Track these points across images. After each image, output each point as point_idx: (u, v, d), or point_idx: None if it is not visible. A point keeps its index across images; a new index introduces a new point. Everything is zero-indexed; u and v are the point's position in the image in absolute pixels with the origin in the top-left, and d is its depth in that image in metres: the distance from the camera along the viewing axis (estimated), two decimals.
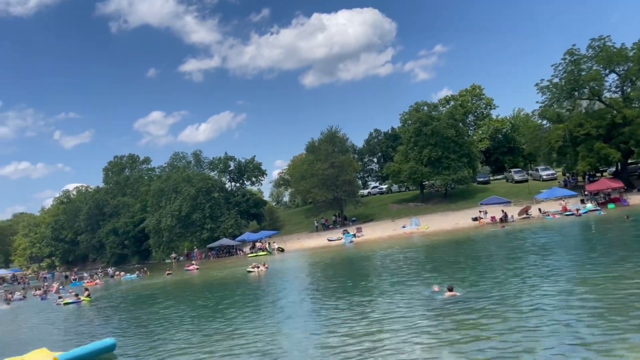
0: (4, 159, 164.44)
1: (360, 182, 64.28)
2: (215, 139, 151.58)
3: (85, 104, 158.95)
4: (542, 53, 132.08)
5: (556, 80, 48.41)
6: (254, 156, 68.95)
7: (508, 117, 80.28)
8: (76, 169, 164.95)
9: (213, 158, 69.53)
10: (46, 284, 48.54)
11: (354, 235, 48.61)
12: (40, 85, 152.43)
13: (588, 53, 46.53)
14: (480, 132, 76.01)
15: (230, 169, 68.13)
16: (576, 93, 47.42)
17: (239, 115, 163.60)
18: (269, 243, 51.32)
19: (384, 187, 72.25)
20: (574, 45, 47.39)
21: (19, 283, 64.73)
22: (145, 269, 50.12)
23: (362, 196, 65.43)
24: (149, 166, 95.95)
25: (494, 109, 78.25)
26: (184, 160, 74.81)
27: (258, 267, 31.48)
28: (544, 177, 60.80)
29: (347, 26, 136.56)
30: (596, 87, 45.92)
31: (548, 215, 40.97)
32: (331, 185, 56.96)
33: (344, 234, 50.26)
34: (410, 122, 65.34)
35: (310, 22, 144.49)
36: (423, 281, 18.44)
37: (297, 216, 72.02)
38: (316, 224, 59.59)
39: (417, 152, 59.66)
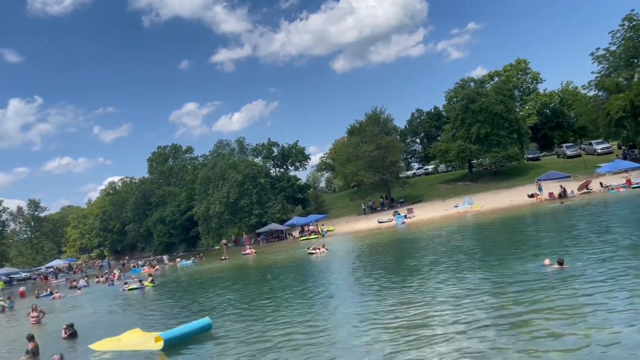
0: (47, 155, 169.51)
1: (402, 163, 63.01)
2: (248, 127, 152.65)
3: (122, 98, 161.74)
4: (582, 25, 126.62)
5: (613, 48, 46.21)
6: (297, 141, 68.84)
7: (556, 91, 77.38)
8: (116, 162, 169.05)
9: (256, 144, 69.85)
10: (106, 271, 49.76)
11: (405, 217, 47.89)
12: (79, 82, 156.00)
13: None
14: (527, 107, 73.72)
15: (274, 154, 68.19)
16: (636, 61, 45.13)
17: (271, 104, 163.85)
18: (320, 226, 51.21)
19: (429, 167, 71.12)
20: (632, 10, 45.13)
21: (74, 272, 66.77)
22: (201, 254, 50.80)
23: (407, 177, 64.43)
24: (192, 155, 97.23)
25: (541, 82, 75.58)
26: (228, 148, 75.27)
27: (319, 249, 31.30)
28: (599, 150, 58.61)
29: (377, 8, 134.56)
30: None
31: (612, 189, 39.29)
32: (378, 167, 56.31)
33: (394, 215, 49.60)
34: (455, 99, 63.97)
35: (339, 5, 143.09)
36: (519, 257, 17.60)
37: (342, 200, 71.81)
38: (364, 207, 59.13)
39: (465, 130, 58.32)
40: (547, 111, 75.84)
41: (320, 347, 10.47)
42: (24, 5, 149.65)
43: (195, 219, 69.16)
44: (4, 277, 59.99)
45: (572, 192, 41.64)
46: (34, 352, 13.68)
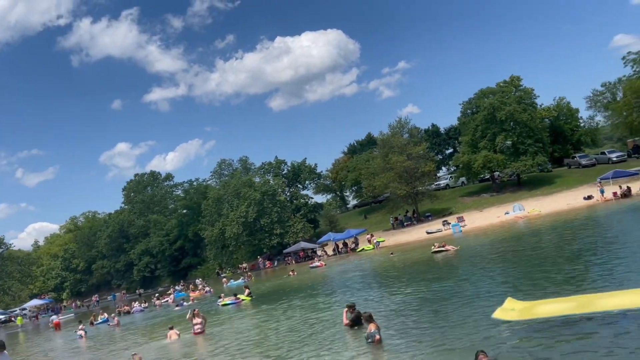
0: None
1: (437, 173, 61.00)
2: (183, 167, 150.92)
3: (49, 140, 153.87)
4: (502, 66, 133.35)
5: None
6: (305, 159, 65.58)
7: (552, 107, 78.96)
8: (40, 207, 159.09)
9: (263, 163, 65.84)
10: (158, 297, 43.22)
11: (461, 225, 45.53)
12: (2, 124, 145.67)
13: None
14: None
15: (283, 172, 64.33)
16: None
17: (207, 142, 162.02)
18: (372, 238, 47.96)
19: (441, 183, 69.67)
20: None
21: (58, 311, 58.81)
22: (249, 273, 45.91)
23: (436, 190, 62.44)
24: (172, 183, 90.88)
25: (536, 98, 76.86)
26: (231, 168, 70.53)
27: (444, 246, 28.10)
28: (614, 159, 59.45)
29: (312, 48, 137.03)
30: None
31: None
32: (409, 178, 53.92)
33: (444, 224, 47.12)
34: (470, 110, 63.36)
35: (274, 45, 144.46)
36: None
37: (354, 218, 68.58)
38: (392, 221, 56.29)
39: (488, 140, 57.39)
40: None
41: None
42: None
43: (206, 242, 63.23)
44: None
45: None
46: None
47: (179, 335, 16.71)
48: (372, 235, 48.85)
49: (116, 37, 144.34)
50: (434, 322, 12.27)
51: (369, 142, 79.09)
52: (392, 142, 55.36)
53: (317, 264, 40.49)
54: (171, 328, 17.23)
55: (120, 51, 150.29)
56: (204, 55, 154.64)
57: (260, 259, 56.50)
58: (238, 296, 25.98)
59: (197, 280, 51.19)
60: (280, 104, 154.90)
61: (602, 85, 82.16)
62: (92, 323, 28.84)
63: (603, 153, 62.74)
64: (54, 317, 34.71)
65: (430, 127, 79.18)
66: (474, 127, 59.50)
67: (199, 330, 16.36)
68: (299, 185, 66.39)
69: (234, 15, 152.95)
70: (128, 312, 31.86)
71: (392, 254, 36.06)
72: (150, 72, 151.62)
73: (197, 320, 16.46)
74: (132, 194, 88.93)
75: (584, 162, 62.74)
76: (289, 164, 65.95)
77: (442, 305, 13.92)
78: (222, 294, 27.24)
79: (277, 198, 57.01)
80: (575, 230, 27.06)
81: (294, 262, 52.15)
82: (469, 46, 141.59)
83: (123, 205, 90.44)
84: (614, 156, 59.92)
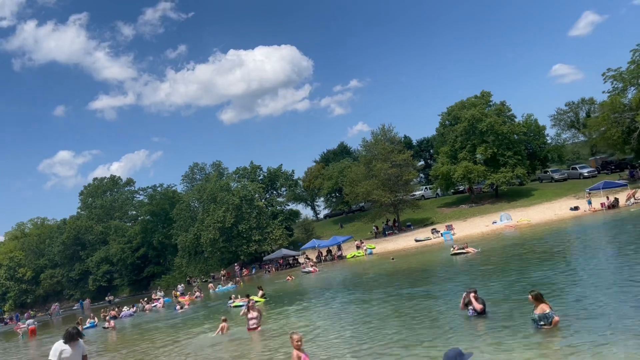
0: None
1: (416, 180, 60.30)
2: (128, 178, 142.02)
3: None
4: (449, 86, 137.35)
5: (630, 67, 48.75)
6: (281, 165, 63.80)
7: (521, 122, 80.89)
8: None
9: (237, 167, 63.43)
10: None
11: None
12: None
13: None
14: None
15: (259, 178, 62.14)
16: None
17: (154, 153, 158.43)
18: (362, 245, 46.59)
19: (416, 193, 69.38)
20: None
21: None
22: (238, 279, 43.40)
23: (417, 199, 62.03)
24: (133, 188, 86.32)
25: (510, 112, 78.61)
26: (203, 172, 67.53)
27: (465, 248, 27.05)
28: (585, 174, 61.07)
29: (265, 62, 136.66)
30: None
31: None
32: (393, 185, 53.16)
33: (433, 232, 46.46)
34: (448, 121, 63.58)
35: (227, 57, 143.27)
36: None
37: (329, 226, 67.02)
38: (375, 229, 55.23)
39: (468, 152, 57.66)
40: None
41: None
42: None
43: (179, 248, 59.81)
44: None
45: (635, 199, 41.63)
46: None
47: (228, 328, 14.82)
48: (362, 242, 47.51)
49: (63, 41, 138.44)
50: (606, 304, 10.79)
51: (342, 151, 78.28)
52: (376, 149, 54.57)
53: (310, 269, 38.77)
54: (224, 320, 15.26)
55: (67, 56, 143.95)
56: (154, 65, 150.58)
57: (237, 266, 53.90)
58: (251, 297, 23.87)
59: (157, 291, 48.09)
60: (232, 117, 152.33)
61: (566, 105, 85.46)
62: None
63: (574, 168, 64.39)
64: (29, 321, 31.03)
65: (403, 139, 79.27)
66: (454, 138, 59.68)
67: (255, 326, 14.38)
68: (274, 192, 64.31)
69: (187, 26, 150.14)
70: (116, 317, 28.96)
71: (392, 259, 34.92)
72: (98, 79, 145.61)
73: (253, 314, 14.45)
74: (90, 199, 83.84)
75: (556, 176, 64.23)
76: (264, 169, 63.84)
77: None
78: (233, 295, 25.07)
79: (256, 203, 54.80)
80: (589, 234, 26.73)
81: (274, 269, 50.00)
82: (418, 67, 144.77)
83: (80, 210, 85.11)
84: (585, 171, 61.57)
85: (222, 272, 51.53)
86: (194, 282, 55.79)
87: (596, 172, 61.12)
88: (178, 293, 42.73)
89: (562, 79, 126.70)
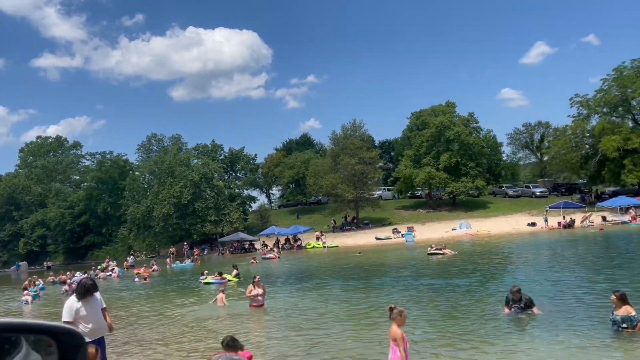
0: None
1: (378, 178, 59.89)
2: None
3: None
4: (406, 92, 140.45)
5: (596, 96, 50.69)
6: (244, 147, 62.12)
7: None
8: None
9: (197, 144, 61.07)
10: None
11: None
12: None
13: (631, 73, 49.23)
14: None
15: (220, 157, 60.14)
16: (620, 109, 49.87)
17: (97, 121, 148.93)
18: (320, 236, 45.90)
19: (376, 193, 69.50)
20: (623, 62, 50.10)
21: None
22: (197, 257, 41.57)
23: (378, 199, 61.83)
24: (79, 152, 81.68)
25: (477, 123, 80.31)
26: (161, 145, 64.55)
27: (441, 249, 26.83)
28: (537, 193, 63.18)
29: (224, 44, 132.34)
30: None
31: (632, 222, 41.53)
32: (357, 182, 52.84)
33: (394, 232, 46.52)
34: (415, 126, 64.01)
35: (185, 34, 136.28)
36: None
37: (285, 216, 65.90)
38: (334, 224, 54.72)
39: (432, 158, 58.28)
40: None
41: None
42: None
43: (128, 220, 56.79)
44: None
45: (592, 221, 43.14)
46: None
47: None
48: (321, 234, 46.81)
49: None
50: None
51: (305, 142, 77.38)
52: (346, 144, 54.06)
53: (271, 255, 37.78)
54: (222, 291, 14.10)
55: (13, 8, 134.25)
56: (107, 30, 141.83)
57: (186, 245, 51.77)
58: (224, 276, 22.64)
59: (129, 258, 45.51)
60: (183, 95, 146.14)
61: (523, 126, 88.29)
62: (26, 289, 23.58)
63: (528, 187, 66.49)
64: None
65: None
66: (420, 143, 60.12)
67: (260, 303, 13.29)
68: (233, 174, 62.49)
69: None
70: (64, 282, 26.73)
71: (359, 253, 34.48)
72: (45, 36, 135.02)
73: (259, 290, 13.35)
74: (31, 157, 78.63)
75: (510, 192, 66.05)
76: (226, 150, 61.94)
77: None
78: (206, 271, 23.61)
79: (215, 183, 52.95)
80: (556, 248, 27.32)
81: (228, 252, 48.48)
82: (377, 70, 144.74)
83: (18, 169, 79.67)
84: (537, 191, 63.64)
85: (171, 249, 49.22)
86: (137, 256, 53.41)
87: (547, 193, 63.42)
88: (129, 265, 40.51)
89: (508, 103, 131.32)
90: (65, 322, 6.96)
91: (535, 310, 11.21)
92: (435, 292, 15.26)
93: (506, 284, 14.35)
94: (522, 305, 11.22)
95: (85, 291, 7.35)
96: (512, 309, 11.28)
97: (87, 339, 7.01)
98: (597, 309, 11.09)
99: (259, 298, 13.38)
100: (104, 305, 7.52)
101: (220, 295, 14.38)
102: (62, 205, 68.29)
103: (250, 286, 13.70)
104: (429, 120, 60.45)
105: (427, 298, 14.35)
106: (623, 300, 9.19)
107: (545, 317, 10.88)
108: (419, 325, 10.79)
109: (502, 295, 12.77)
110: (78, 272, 29.80)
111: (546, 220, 45.22)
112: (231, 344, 6.74)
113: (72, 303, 7.26)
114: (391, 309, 6.71)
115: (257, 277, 13.82)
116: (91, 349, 5.80)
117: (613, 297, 9.33)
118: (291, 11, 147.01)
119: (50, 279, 30.95)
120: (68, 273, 30.09)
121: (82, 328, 7.00)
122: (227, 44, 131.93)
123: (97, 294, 7.49)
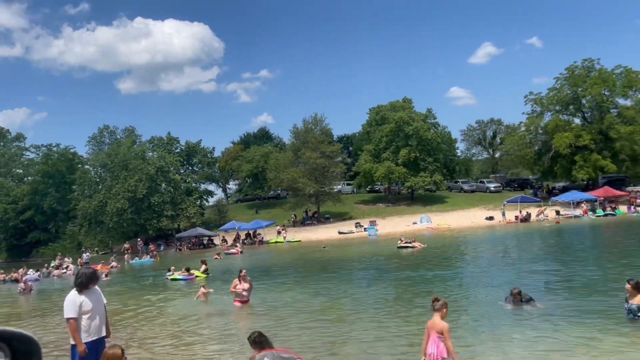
0: None
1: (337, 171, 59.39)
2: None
3: None
4: (361, 89, 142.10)
5: (549, 94, 52.26)
6: (200, 140, 60.45)
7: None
8: None
9: (152, 137, 58.85)
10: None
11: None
12: None
13: (581, 72, 51.03)
14: None
15: (176, 150, 58.20)
16: (571, 107, 51.63)
17: (37, 113, 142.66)
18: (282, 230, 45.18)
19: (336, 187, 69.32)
20: (574, 62, 51.83)
21: None
22: (156, 253, 39.80)
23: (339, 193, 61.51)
24: (22, 144, 77.25)
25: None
26: (114, 137, 61.72)
27: (411, 243, 26.68)
28: (492, 188, 64.75)
29: (173, 36, 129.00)
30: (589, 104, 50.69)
31: (584, 215, 43.02)
32: (319, 176, 52.41)
33: (357, 226, 46.40)
34: (374, 121, 64.17)
35: (133, 24, 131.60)
36: None
37: (242, 211, 64.63)
38: (295, 218, 54.07)
39: (392, 152, 58.59)
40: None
41: None
42: None
43: (78, 215, 53.88)
44: None
45: (546, 215, 44.37)
46: None
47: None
48: (283, 228, 46.06)
49: None
50: None
51: (264, 135, 76.28)
52: (307, 137, 53.46)
53: (233, 250, 36.83)
54: (203, 286, 13.20)
55: None
56: (49, 18, 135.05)
57: (140, 241, 49.75)
58: (192, 272, 21.59)
59: (84, 255, 43.10)
60: (130, 87, 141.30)
61: (476, 122, 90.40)
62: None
63: (482, 182, 67.99)
64: None
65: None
66: (379, 138, 60.30)
67: (246, 299, 12.49)
68: (189, 168, 60.67)
69: None
70: (17, 281, 24.91)
71: (324, 247, 34.10)
72: None
73: (245, 285, 12.53)
74: None
75: (465, 187, 67.33)
76: (182, 143, 59.99)
77: None
78: (172, 267, 22.46)
79: (172, 177, 51.18)
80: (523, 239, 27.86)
81: (186, 248, 46.96)
82: (331, 66, 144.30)
83: None
84: (492, 186, 65.11)
85: (125, 245, 47.12)
86: (89, 253, 51.00)
87: (501, 188, 65.10)
88: (83, 262, 38.46)
89: (456, 101, 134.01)
90: (69, 318, 6.13)
91: (537, 304, 11.03)
92: (425, 283, 14.97)
93: (493, 275, 14.24)
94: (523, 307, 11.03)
95: (88, 281, 6.49)
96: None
97: (93, 338, 6.16)
98: (595, 297, 11.04)
99: (244, 293, 12.61)
100: (105, 301, 6.68)
101: (202, 290, 13.53)
102: (4, 200, 64.44)
103: (236, 280, 12.88)
104: (389, 115, 60.76)
105: (422, 290, 14.03)
106: (638, 288, 9.09)
107: (546, 311, 10.71)
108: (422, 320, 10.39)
109: (488, 282, 12.62)
110: (31, 270, 27.95)
111: (504, 214, 46.23)
112: (257, 341, 6.06)
113: (74, 297, 6.38)
114: (436, 300, 6.21)
115: (244, 271, 13.01)
116: (116, 350, 4.98)
117: (628, 286, 9.22)
118: (244, 4, 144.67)
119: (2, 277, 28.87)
120: (20, 270, 28.15)
121: (86, 324, 6.20)
122: (177, 36, 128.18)
123: (97, 287, 6.65)
